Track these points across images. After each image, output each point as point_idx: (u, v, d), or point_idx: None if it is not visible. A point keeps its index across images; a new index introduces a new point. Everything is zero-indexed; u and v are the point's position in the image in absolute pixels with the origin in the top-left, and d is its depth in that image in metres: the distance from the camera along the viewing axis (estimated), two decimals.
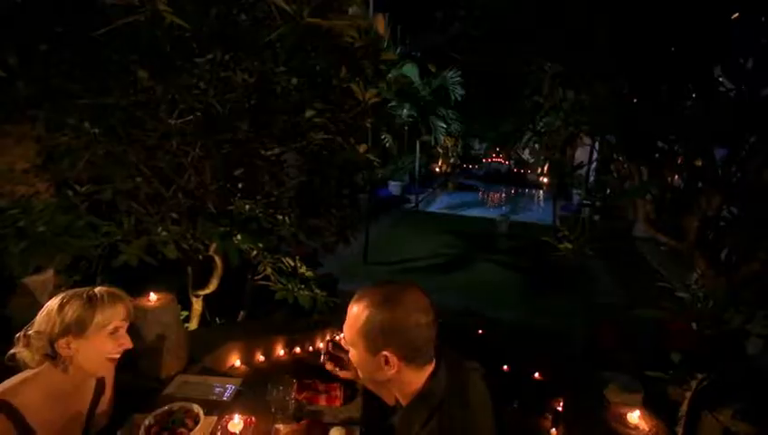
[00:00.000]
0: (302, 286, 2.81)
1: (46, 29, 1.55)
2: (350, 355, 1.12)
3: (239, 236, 2.35)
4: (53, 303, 1.18)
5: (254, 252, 2.82)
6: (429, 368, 1.08)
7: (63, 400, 1.23)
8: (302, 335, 2.67)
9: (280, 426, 1.41)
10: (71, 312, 1.16)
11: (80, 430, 1.29)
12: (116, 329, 1.21)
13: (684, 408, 2.08)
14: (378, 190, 10.73)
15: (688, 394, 2.05)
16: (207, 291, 2.89)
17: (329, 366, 1.30)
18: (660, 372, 2.27)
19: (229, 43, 1.61)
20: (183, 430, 1.27)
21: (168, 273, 2.79)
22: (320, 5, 1.28)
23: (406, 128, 10.22)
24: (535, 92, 2.86)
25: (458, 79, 9.57)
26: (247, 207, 2.21)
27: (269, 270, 2.92)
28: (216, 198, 2.19)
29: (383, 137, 8.11)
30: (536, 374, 3.07)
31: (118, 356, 1.25)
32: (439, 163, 15.74)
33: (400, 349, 1.03)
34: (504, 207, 10.96)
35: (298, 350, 2.55)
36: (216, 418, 1.39)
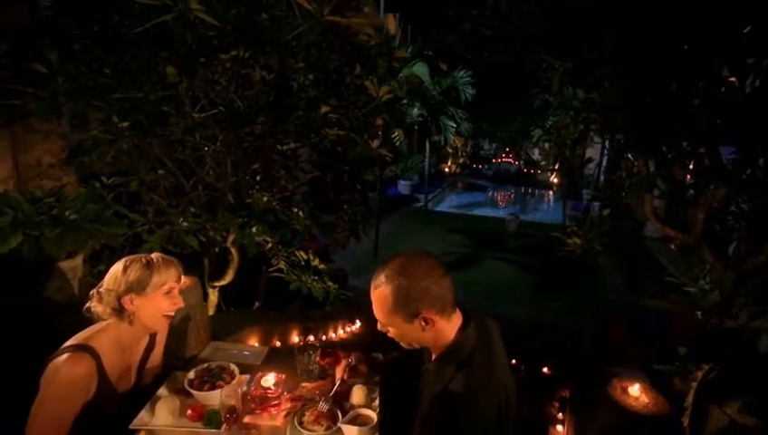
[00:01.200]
0: (316, 278, 2.90)
1: (83, 28, 1.65)
2: (390, 335, 1.21)
3: (254, 229, 2.44)
4: (118, 266, 1.34)
5: (269, 245, 2.90)
6: (456, 319, 1.19)
7: (126, 350, 1.39)
8: (315, 325, 2.76)
9: (306, 384, 1.53)
10: (132, 273, 1.31)
11: (132, 381, 1.44)
12: (170, 289, 1.36)
13: (690, 399, 2.11)
14: (388, 189, 10.79)
15: (694, 385, 2.08)
16: (224, 282, 2.98)
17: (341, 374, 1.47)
18: (667, 365, 2.31)
19: (250, 41, 1.69)
20: (221, 382, 1.41)
21: (185, 264, 2.90)
22: (339, 4, 1.35)
23: (416, 127, 10.27)
24: (545, 90, 2.90)
25: (469, 79, 9.59)
26: (265, 199, 2.30)
27: (282, 264, 3.01)
28: (235, 190, 2.28)
29: (394, 135, 8.17)
30: (545, 369, 3.12)
31: (172, 314, 1.39)
32: (449, 163, 15.76)
33: (433, 306, 1.13)
34: (513, 207, 10.95)
35: (312, 338, 2.63)
36: (248, 376, 1.51)
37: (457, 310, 1.21)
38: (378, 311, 1.18)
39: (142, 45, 1.69)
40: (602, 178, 8.39)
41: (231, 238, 2.67)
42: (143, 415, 1.33)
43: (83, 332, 1.33)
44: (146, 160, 2.17)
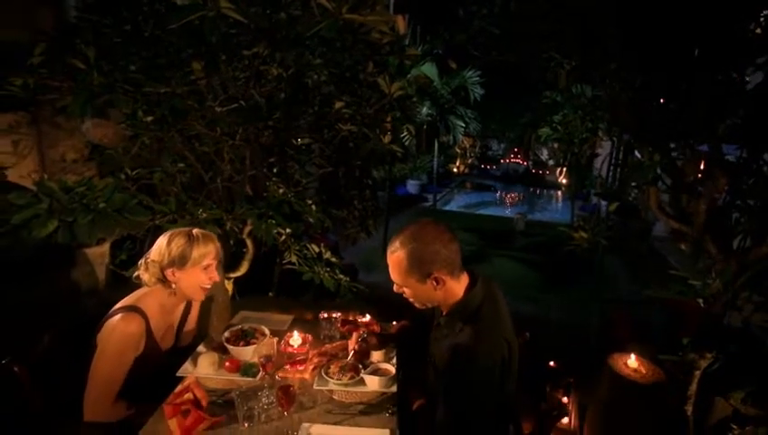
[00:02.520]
0: (328, 269, 2.99)
1: (115, 27, 1.76)
2: (405, 295, 1.35)
3: (270, 221, 2.53)
4: (163, 239, 1.47)
5: (283, 237, 3.00)
6: (464, 280, 1.33)
7: (168, 313, 1.53)
8: (328, 312, 2.83)
9: (328, 345, 1.69)
10: (175, 247, 1.44)
11: (173, 340, 1.53)
12: (208, 265, 1.49)
13: (693, 387, 2.16)
14: (397, 189, 10.86)
15: (697, 374, 2.13)
16: (238, 274, 3.07)
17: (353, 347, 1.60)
18: (672, 356, 2.35)
19: (271, 38, 1.79)
20: (254, 340, 1.55)
21: None
22: (355, 3, 1.44)
23: (425, 127, 10.33)
24: (552, 87, 2.96)
25: (478, 78, 9.63)
26: (281, 190, 2.39)
27: (294, 258, 3.11)
28: (253, 182, 2.38)
29: (403, 135, 8.25)
30: (551, 363, 3.17)
31: (209, 286, 1.52)
32: (457, 163, 15.79)
33: (444, 267, 1.27)
34: (521, 207, 10.97)
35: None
36: (277, 338, 1.66)
37: (465, 272, 1.34)
38: (394, 273, 1.31)
39: (169, 43, 1.79)
40: (610, 176, 8.38)
41: (247, 230, 2.77)
42: (187, 365, 1.47)
43: (132, 294, 1.47)
44: (168, 154, 2.27)
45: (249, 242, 2.95)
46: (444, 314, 1.36)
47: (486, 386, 1.24)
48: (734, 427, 2.10)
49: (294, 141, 2.60)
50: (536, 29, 2.77)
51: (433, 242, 1.26)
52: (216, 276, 1.52)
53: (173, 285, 1.47)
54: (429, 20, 9.39)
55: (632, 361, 2.10)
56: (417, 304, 1.36)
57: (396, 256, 1.29)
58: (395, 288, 1.35)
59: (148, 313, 1.44)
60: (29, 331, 1.42)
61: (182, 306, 1.62)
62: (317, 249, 3.22)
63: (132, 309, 1.42)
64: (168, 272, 1.45)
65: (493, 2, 2.78)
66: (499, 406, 1.30)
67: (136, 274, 1.50)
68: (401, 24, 9.13)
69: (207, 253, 1.48)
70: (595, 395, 2.10)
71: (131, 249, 2.94)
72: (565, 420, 2.31)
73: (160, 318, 1.50)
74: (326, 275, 3.01)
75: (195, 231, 1.50)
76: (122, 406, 1.40)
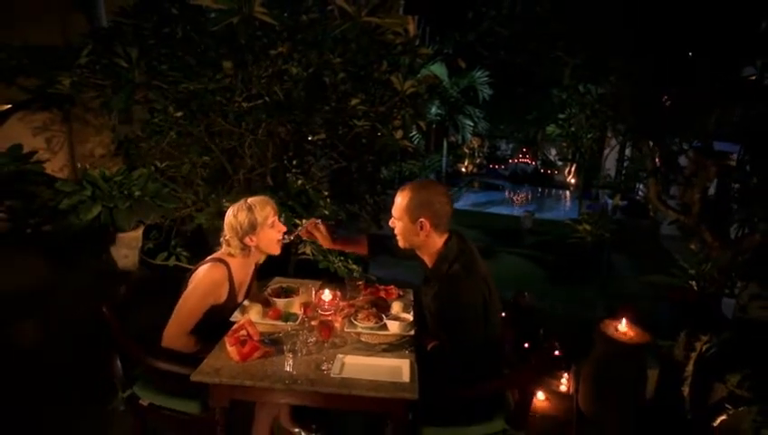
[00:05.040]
0: (342, 258, 3.15)
1: (156, 30, 1.93)
2: (395, 231, 1.65)
3: (287, 212, 2.68)
4: (229, 215, 1.74)
5: (299, 228, 3.17)
6: (445, 236, 1.63)
7: (246, 266, 1.84)
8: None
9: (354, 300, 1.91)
10: (242, 217, 1.71)
11: (243, 298, 1.86)
12: (273, 222, 1.77)
13: (689, 368, 2.26)
14: None
15: (693, 355, 2.24)
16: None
17: (304, 235, 1.94)
18: (670, 341, 2.46)
19: (296, 39, 1.94)
20: (292, 295, 1.83)
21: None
22: (375, 6, 1.58)
23: (434, 126, 10.45)
24: (558, 84, 3.06)
25: (486, 78, 9.73)
26: (299, 182, 2.55)
27: (309, 249, 3.27)
28: (274, 173, 2.53)
29: (413, 134, 8.38)
30: (556, 352, 3.27)
31: (281, 237, 1.80)
32: (465, 163, 15.87)
33: (431, 217, 1.57)
34: (529, 206, 11.01)
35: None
36: (312, 292, 1.88)
37: (448, 232, 1.63)
38: (395, 208, 1.62)
39: (200, 43, 1.95)
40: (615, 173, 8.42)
41: None
42: (237, 313, 1.72)
43: (219, 251, 1.77)
44: (196, 146, 2.44)
45: None
46: (429, 267, 1.65)
47: (474, 317, 1.51)
48: (729, 407, 2.20)
49: (311, 136, 2.75)
50: (543, 30, 2.87)
51: (433, 196, 1.57)
52: (283, 227, 1.81)
53: (254, 248, 1.75)
54: (439, 21, 9.52)
55: (623, 325, 2.29)
56: (400, 241, 1.65)
57: (403, 194, 1.60)
58: (390, 221, 1.66)
59: (231, 264, 1.74)
60: (85, 302, 1.60)
61: (253, 268, 1.91)
62: None
63: (219, 260, 1.73)
64: (247, 239, 1.72)
65: (501, 3, 2.89)
66: (489, 341, 1.56)
67: (223, 249, 1.77)
68: (411, 25, 9.27)
69: (268, 213, 1.74)
70: (589, 357, 2.26)
71: (157, 238, 3.12)
72: (563, 387, 2.44)
73: (242, 270, 1.80)
74: (340, 264, 3.17)
75: (250, 200, 1.75)
76: (193, 340, 1.67)
